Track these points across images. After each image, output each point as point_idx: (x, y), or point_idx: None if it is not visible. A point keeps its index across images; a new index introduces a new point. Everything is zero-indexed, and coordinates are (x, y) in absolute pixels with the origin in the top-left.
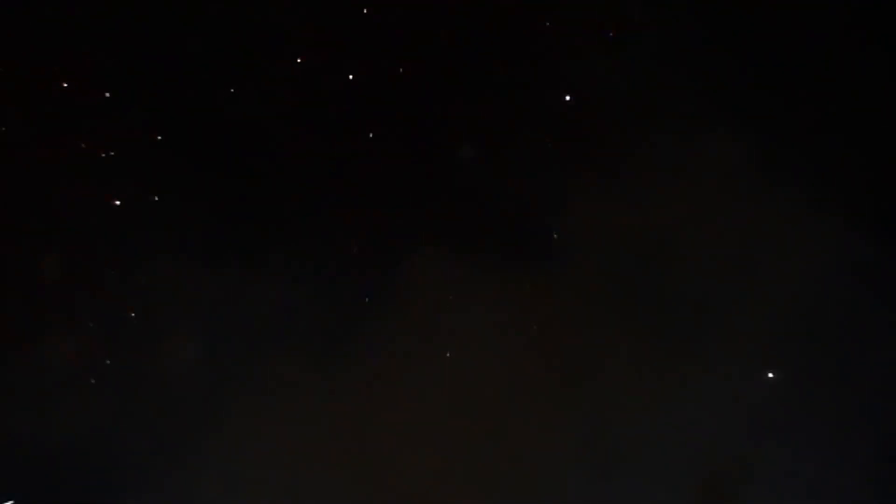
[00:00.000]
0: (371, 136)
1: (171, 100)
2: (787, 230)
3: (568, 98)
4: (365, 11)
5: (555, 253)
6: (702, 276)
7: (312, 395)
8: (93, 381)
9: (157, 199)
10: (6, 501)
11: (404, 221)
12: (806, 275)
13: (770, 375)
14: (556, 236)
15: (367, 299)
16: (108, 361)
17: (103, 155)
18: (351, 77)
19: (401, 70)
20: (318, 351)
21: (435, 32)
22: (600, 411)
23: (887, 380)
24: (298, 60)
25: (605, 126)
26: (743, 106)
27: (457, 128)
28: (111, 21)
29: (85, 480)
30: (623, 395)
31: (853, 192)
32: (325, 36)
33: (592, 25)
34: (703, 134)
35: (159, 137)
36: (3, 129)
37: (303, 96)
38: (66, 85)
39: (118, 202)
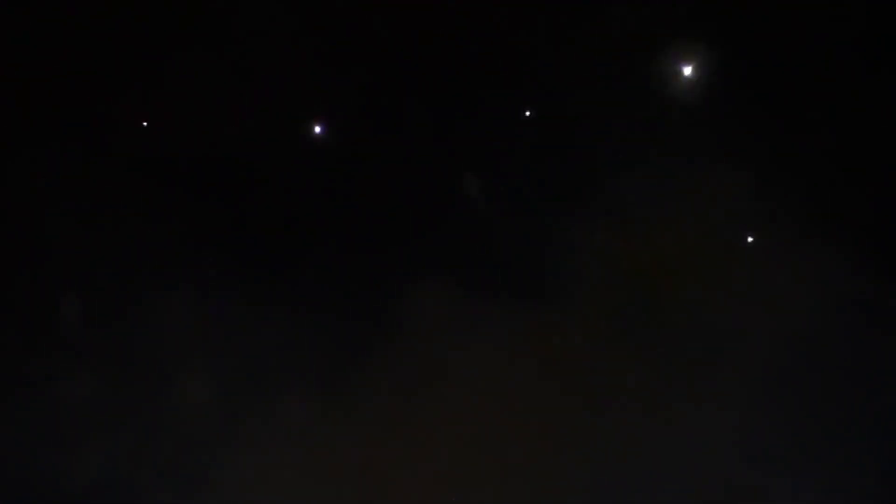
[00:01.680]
0: (373, 171)
1: (180, 143)
2: (785, 260)
3: (567, 133)
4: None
5: (555, 286)
6: (701, 308)
7: (318, 431)
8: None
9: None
10: None
11: (406, 257)
12: (805, 305)
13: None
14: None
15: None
16: (120, 402)
17: (114, 198)
18: (352, 110)
19: (402, 104)
20: (324, 386)
21: (436, 68)
22: (603, 443)
23: (888, 407)
24: (300, 92)
25: (604, 160)
26: (741, 137)
27: (457, 163)
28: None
29: None
30: (625, 427)
31: (851, 222)
32: (325, 66)
33: (590, 59)
34: (702, 166)
35: (168, 178)
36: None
37: (306, 133)
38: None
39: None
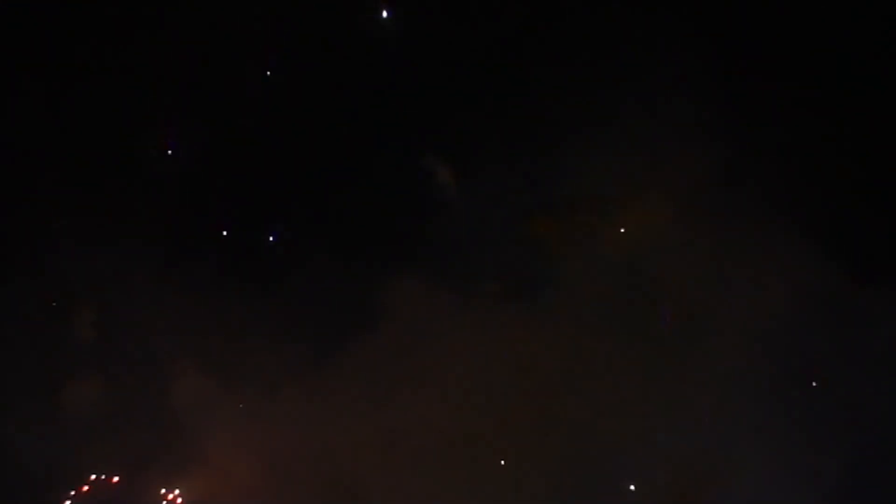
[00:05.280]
0: (357, 165)
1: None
2: (759, 251)
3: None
4: None
5: (536, 279)
6: (679, 299)
7: (300, 418)
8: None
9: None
10: None
11: (390, 251)
12: (776, 297)
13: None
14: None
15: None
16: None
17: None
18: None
19: (388, 107)
20: (306, 377)
21: (416, 70)
22: (582, 431)
23: (854, 395)
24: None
25: (587, 157)
26: (717, 129)
27: (442, 160)
28: None
29: None
30: (605, 415)
31: (819, 216)
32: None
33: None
34: (676, 156)
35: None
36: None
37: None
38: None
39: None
